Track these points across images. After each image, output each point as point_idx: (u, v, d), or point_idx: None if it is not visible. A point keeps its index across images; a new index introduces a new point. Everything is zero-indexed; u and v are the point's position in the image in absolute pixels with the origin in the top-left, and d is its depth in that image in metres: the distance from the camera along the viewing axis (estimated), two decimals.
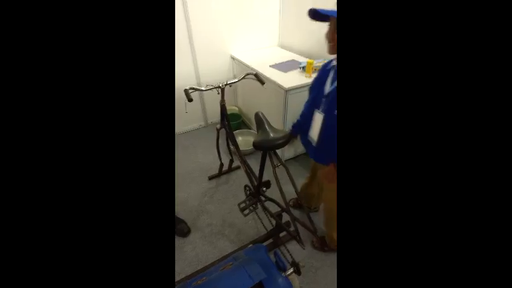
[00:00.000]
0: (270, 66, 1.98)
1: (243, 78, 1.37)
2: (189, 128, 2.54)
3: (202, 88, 1.30)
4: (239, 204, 1.39)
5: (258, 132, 1.13)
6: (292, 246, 1.43)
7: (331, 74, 0.97)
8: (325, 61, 1.17)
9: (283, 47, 2.47)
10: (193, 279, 1.07)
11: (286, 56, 2.21)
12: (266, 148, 1.08)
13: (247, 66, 2.08)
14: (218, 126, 1.60)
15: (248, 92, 2.35)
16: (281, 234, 1.45)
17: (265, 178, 1.32)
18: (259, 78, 1.37)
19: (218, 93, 1.39)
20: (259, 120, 1.14)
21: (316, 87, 1.05)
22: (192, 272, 1.34)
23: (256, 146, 1.04)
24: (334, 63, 0.97)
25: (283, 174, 1.16)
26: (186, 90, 1.22)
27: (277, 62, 2.04)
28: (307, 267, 1.38)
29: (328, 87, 0.97)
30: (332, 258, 1.44)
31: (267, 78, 1.77)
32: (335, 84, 0.94)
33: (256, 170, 1.39)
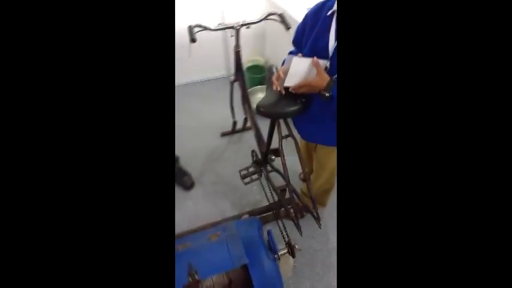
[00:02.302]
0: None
1: (265, 19, 1.09)
2: (209, 77, 2.33)
3: (211, 27, 1.05)
4: (240, 171, 1.25)
5: (266, 92, 0.89)
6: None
7: (334, 23, 0.71)
8: None
9: None
10: (179, 241, 1.02)
11: None
12: (273, 115, 0.85)
13: (280, 8, 1.71)
14: (232, 78, 1.38)
15: (279, 41, 2.01)
16: (283, 208, 1.32)
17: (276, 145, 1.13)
18: (284, 20, 1.07)
19: (231, 36, 1.13)
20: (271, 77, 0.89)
21: (310, 35, 0.80)
22: (188, 228, 1.31)
23: (261, 111, 0.81)
24: (335, 7, 0.71)
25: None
26: (190, 27, 0.99)
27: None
28: (305, 248, 1.28)
29: (332, 43, 0.71)
30: (334, 243, 1.30)
31: (297, 23, 1.43)
32: None
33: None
